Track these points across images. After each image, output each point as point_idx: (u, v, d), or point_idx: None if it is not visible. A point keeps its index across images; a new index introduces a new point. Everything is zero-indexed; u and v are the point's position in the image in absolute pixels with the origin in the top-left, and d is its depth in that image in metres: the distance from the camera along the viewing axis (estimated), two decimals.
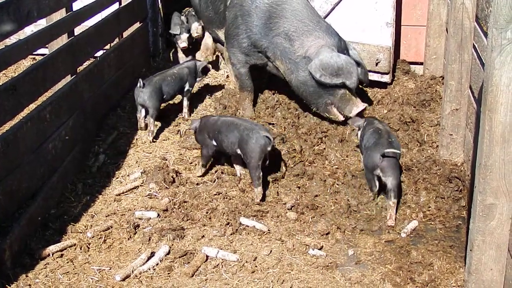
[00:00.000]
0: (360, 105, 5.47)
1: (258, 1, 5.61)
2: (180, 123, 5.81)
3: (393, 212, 4.35)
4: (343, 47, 5.59)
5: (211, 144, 4.81)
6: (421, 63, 6.72)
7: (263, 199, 4.57)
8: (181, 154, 5.20)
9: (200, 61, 6.17)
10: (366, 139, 4.78)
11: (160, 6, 7.03)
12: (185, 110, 5.93)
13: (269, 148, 4.58)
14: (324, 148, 5.22)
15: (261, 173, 4.56)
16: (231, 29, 5.82)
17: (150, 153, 5.25)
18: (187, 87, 5.89)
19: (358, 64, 5.59)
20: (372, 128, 4.82)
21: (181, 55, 6.96)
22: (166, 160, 5.08)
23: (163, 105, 5.78)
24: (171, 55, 7.17)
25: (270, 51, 5.66)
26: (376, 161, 4.42)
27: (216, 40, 6.57)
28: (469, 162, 4.55)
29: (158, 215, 4.36)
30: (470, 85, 4.84)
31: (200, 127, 4.92)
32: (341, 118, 5.49)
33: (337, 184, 4.76)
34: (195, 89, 6.22)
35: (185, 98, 5.93)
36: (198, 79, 6.05)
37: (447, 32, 5.32)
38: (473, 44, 4.75)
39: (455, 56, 4.88)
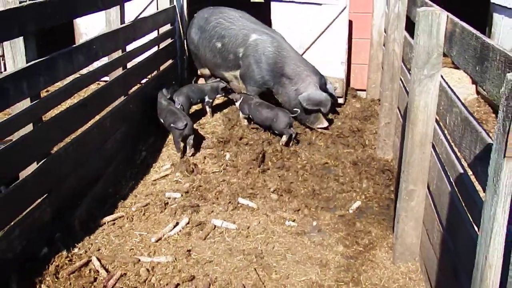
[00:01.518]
0: (324, 123, 5.54)
1: (266, 52, 5.59)
2: (205, 123, 5.82)
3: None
4: (323, 82, 5.59)
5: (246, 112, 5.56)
6: (365, 90, 6.69)
7: (287, 144, 5.18)
8: (198, 152, 5.13)
9: (222, 83, 6.07)
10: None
11: (186, 49, 6.97)
12: (208, 113, 5.95)
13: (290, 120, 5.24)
14: (297, 149, 5.18)
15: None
16: (248, 72, 5.75)
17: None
18: (206, 98, 5.88)
19: (331, 95, 5.66)
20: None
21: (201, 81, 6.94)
22: (188, 156, 5.02)
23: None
24: (193, 82, 7.09)
25: (275, 88, 5.68)
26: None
27: (219, 77, 6.27)
28: (397, 159, 4.51)
29: (182, 195, 4.30)
30: (398, 106, 4.81)
31: (242, 100, 5.62)
32: (315, 127, 5.56)
33: (306, 174, 4.71)
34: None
35: (206, 106, 5.93)
36: (218, 95, 5.99)
37: (382, 69, 5.29)
38: (400, 78, 4.72)
39: (388, 86, 4.85)
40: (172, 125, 4.97)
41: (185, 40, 6.89)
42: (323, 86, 5.56)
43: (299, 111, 5.41)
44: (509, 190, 1.56)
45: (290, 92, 5.55)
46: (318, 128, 5.53)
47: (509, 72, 1.68)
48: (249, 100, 5.59)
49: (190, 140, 4.95)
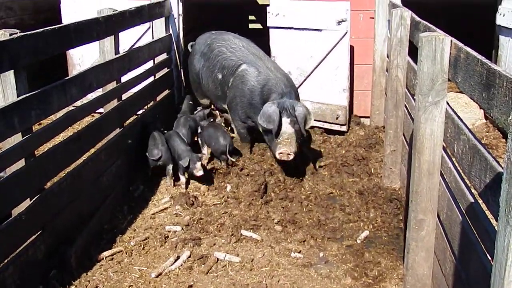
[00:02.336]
0: (283, 148, 4.90)
1: (249, 85, 5.39)
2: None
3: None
4: (287, 105, 5.01)
5: None
6: (368, 117, 6.75)
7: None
8: (197, 185, 5.15)
9: (211, 110, 6.25)
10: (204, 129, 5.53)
11: (182, 78, 7.07)
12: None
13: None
14: (301, 179, 5.21)
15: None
16: (232, 104, 5.61)
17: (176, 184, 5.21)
18: (199, 129, 5.85)
19: (295, 122, 5.00)
20: (207, 123, 5.57)
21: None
22: (187, 189, 5.05)
23: None
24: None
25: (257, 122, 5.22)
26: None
27: (221, 110, 6.24)
28: (404, 188, 4.54)
29: (182, 228, 4.31)
30: (403, 133, 4.86)
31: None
32: (275, 154, 5.06)
33: (311, 205, 4.73)
34: None
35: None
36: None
37: (386, 95, 5.35)
38: (405, 104, 4.78)
39: (392, 113, 4.91)
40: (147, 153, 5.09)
41: (184, 69, 7.00)
42: (286, 107, 4.99)
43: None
44: None
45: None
46: (278, 153, 4.92)
47: None
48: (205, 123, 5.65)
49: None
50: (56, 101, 3.71)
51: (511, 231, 1.59)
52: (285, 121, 4.98)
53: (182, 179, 5.05)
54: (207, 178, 5.12)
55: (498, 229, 1.70)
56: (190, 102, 6.43)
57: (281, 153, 4.91)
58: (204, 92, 6.30)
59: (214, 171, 5.25)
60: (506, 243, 1.62)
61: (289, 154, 4.89)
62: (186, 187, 5.03)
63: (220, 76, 5.78)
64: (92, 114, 5.45)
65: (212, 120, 5.90)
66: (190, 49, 6.49)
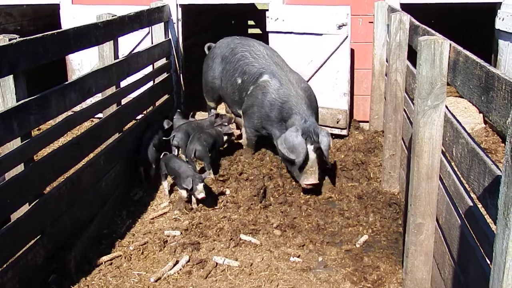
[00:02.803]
0: (311, 178, 4.89)
1: (269, 97, 5.21)
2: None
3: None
4: (312, 131, 4.91)
5: None
6: (367, 121, 6.76)
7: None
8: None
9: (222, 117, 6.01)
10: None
11: (182, 83, 7.08)
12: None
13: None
14: (298, 184, 5.19)
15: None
16: (248, 112, 5.46)
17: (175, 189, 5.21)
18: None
19: (318, 149, 4.93)
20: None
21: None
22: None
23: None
24: (189, 117, 7.16)
25: (273, 134, 5.27)
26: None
27: (236, 115, 6.00)
28: (403, 192, 4.54)
29: (181, 233, 4.31)
30: (402, 137, 4.87)
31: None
32: (301, 183, 4.96)
33: (310, 209, 4.74)
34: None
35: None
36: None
37: (385, 99, 5.36)
38: (404, 108, 4.79)
39: (391, 117, 4.92)
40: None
41: (183, 73, 7.01)
42: (310, 135, 4.89)
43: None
44: None
45: (279, 134, 5.12)
46: (305, 184, 4.90)
47: None
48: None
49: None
50: (55, 106, 3.71)
51: (509, 234, 1.59)
52: (309, 148, 4.87)
53: (184, 193, 4.76)
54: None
55: (496, 232, 1.70)
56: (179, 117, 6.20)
57: (308, 184, 4.90)
58: (215, 96, 6.23)
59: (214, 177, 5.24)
60: (504, 246, 1.62)
61: (316, 183, 4.93)
62: (197, 203, 4.77)
63: (239, 81, 5.66)
64: (92, 119, 5.48)
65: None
66: (206, 51, 6.43)
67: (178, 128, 5.60)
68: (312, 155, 4.89)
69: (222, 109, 6.96)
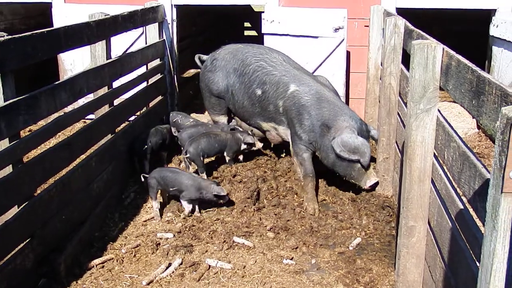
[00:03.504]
0: (373, 179, 4.90)
1: (303, 102, 5.03)
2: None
3: None
4: (363, 129, 4.96)
5: None
6: None
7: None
8: None
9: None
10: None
11: (176, 84, 7.11)
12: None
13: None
14: (293, 186, 5.24)
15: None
16: (291, 128, 5.15)
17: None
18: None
19: (374, 139, 5.20)
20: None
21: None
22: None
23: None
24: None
25: (318, 142, 4.97)
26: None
27: (256, 127, 5.66)
28: (396, 195, 4.58)
29: (174, 235, 4.33)
30: (396, 141, 4.92)
31: None
32: (364, 186, 4.93)
33: (303, 212, 4.77)
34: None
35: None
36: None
37: (379, 103, 5.40)
38: (398, 112, 4.84)
39: (385, 120, 4.97)
40: None
41: (177, 75, 7.04)
42: (363, 133, 4.93)
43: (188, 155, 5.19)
44: (508, 226, 1.63)
45: (328, 142, 4.86)
46: (367, 187, 4.91)
47: (505, 106, 1.77)
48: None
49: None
50: (45, 106, 3.68)
51: (496, 236, 1.63)
52: (365, 145, 4.79)
53: (188, 208, 4.72)
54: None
55: (484, 234, 1.74)
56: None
57: (372, 185, 4.90)
58: (223, 109, 5.95)
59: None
60: (492, 248, 1.66)
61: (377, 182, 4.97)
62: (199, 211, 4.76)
63: (259, 92, 5.36)
64: (83, 120, 5.49)
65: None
66: (198, 62, 6.14)
67: (190, 142, 5.35)
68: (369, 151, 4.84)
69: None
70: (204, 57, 6.11)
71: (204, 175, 5.22)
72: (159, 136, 5.59)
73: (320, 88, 5.14)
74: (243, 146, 5.51)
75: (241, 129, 5.67)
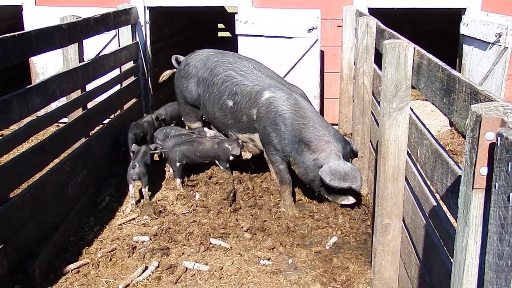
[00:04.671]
0: (351, 200, 4.66)
1: (280, 111, 4.72)
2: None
3: None
4: (347, 149, 4.68)
5: None
6: (337, 124, 6.82)
7: None
8: (165, 194, 5.13)
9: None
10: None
11: (150, 86, 7.05)
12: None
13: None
14: (269, 186, 5.24)
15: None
16: (265, 139, 4.87)
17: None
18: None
19: (356, 154, 4.92)
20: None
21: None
22: (155, 198, 5.03)
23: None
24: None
25: (292, 156, 4.73)
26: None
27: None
28: (372, 193, 4.62)
29: (150, 238, 4.29)
30: (370, 140, 4.95)
31: None
32: (338, 203, 4.73)
33: (279, 212, 4.77)
34: None
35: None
36: None
37: (353, 102, 5.45)
38: (371, 111, 4.88)
39: (359, 119, 5.00)
40: None
41: (150, 77, 6.99)
42: (348, 154, 4.68)
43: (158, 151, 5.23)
44: (480, 221, 1.65)
45: (308, 161, 4.62)
46: (341, 204, 4.72)
47: (474, 104, 1.80)
48: None
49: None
50: (17, 110, 3.61)
51: (468, 232, 1.65)
52: (355, 170, 4.54)
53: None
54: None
55: (457, 230, 1.76)
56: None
57: (348, 203, 4.70)
58: (199, 116, 5.81)
59: (183, 180, 5.23)
60: (464, 244, 1.68)
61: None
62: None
63: (231, 104, 5.11)
64: (57, 124, 5.41)
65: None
66: (174, 63, 5.98)
67: (172, 146, 5.23)
68: None
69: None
70: (181, 58, 5.95)
71: (178, 181, 5.12)
72: (140, 129, 5.79)
73: (299, 100, 4.84)
74: (231, 158, 5.20)
75: (229, 139, 5.27)
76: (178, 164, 5.11)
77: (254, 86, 4.98)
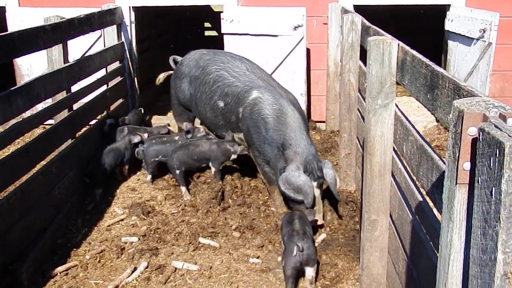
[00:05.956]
0: (317, 217, 4.36)
1: (263, 114, 4.58)
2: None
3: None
4: (314, 166, 4.31)
5: None
6: (324, 121, 6.86)
7: None
8: (153, 194, 5.12)
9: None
10: None
11: (137, 86, 7.02)
12: None
13: None
14: (258, 185, 5.24)
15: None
16: (248, 139, 4.77)
17: (132, 195, 5.16)
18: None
19: (326, 179, 4.39)
20: None
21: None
22: (143, 199, 5.02)
23: None
24: (145, 121, 7.12)
25: (271, 161, 4.62)
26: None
27: (221, 138, 5.26)
28: (359, 190, 4.64)
29: (139, 239, 4.27)
30: (357, 136, 4.97)
31: None
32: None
33: (268, 210, 4.77)
34: None
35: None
36: None
37: (340, 99, 5.46)
38: (358, 108, 4.90)
39: (346, 116, 5.01)
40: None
41: (137, 77, 6.95)
42: (312, 170, 4.32)
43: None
44: (464, 216, 1.66)
45: (281, 169, 4.44)
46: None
47: (457, 99, 1.81)
48: None
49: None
50: (1, 112, 3.57)
51: (453, 227, 1.66)
52: (308, 185, 4.28)
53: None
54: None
55: (441, 225, 1.78)
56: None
57: (318, 224, 4.39)
58: (191, 117, 5.73)
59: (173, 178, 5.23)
60: (449, 239, 1.69)
61: (322, 222, 4.43)
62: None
63: (221, 104, 5.01)
64: (43, 125, 5.37)
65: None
66: (172, 64, 5.84)
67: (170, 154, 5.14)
68: (317, 192, 4.37)
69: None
70: (179, 58, 5.83)
71: (183, 189, 5.02)
72: (114, 157, 5.24)
73: (284, 105, 4.63)
74: (233, 157, 5.08)
75: (227, 140, 5.13)
76: (178, 171, 5.02)
77: (244, 87, 4.87)
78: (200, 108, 5.31)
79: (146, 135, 5.54)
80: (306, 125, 4.78)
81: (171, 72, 5.92)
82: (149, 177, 5.29)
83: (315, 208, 4.34)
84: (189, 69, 5.45)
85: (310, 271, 3.61)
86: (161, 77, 6.17)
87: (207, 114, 5.23)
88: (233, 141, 5.07)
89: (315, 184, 4.32)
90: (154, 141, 5.38)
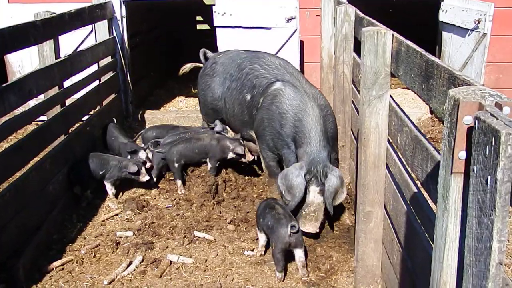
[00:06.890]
0: (307, 227, 4.10)
1: (280, 107, 4.41)
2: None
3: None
4: (319, 171, 4.10)
5: None
6: None
7: None
8: (147, 189, 5.10)
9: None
10: None
11: (129, 81, 6.99)
12: None
13: None
14: (252, 178, 5.24)
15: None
16: (259, 130, 4.63)
17: (126, 190, 5.13)
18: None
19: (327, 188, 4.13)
20: None
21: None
22: (138, 193, 5.00)
23: None
24: (139, 116, 7.10)
25: (284, 158, 4.47)
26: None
27: (247, 139, 5.07)
28: (354, 182, 4.64)
29: (134, 233, 4.26)
30: (351, 128, 4.97)
31: None
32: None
33: None
34: None
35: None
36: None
37: (334, 91, 5.46)
38: (352, 100, 4.89)
39: (340, 108, 5.01)
40: None
41: (129, 71, 6.91)
42: (318, 174, 4.11)
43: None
44: (459, 206, 1.66)
45: (291, 164, 4.30)
46: (303, 230, 4.00)
47: (452, 89, 1.80)
48: None
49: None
50: None
51: (448, 216, 1.66)
52: (313, 189, 4.12)
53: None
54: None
55: (436, 215, 1.78)
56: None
57: (304, 232, 4.05)
58: (219, 117, 5.39)
59: (164, 173, 5.21)
60: (444, 228, 1.69)
61: (315, 231, 4.18)
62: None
63: (249, 97, 4.84)
64: (36, 122, 5.33)
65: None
66: (202, 58, 5.66)
67: (169, 147, 5.07)
68: (317, 198, 4.14)
69: None
70: (209, 53, 5.67)
71: (179, 182, 4.99)
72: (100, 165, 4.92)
73: (305, 102, 4.36)
74: (230, 155, 4.98)
75: (231, 137, 5.09)
76: (176, 165, 4.99)
77: (272, 78, 4.71)
78: (228, 105, 5.12)
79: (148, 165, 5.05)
80: (329, 133, 4.40)
81: (198, 64, 5.81)
82: (179, 182, 5.03)
83: (312, 215, 4.14)
84: (224, 67, 5.25)
85: (300, 253, 3.66)
86: (187, 67, 6.07)
87: (235, 110, 5.04)
88: (236, 140, 4.98)
89: (317, 189, 4.12)
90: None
